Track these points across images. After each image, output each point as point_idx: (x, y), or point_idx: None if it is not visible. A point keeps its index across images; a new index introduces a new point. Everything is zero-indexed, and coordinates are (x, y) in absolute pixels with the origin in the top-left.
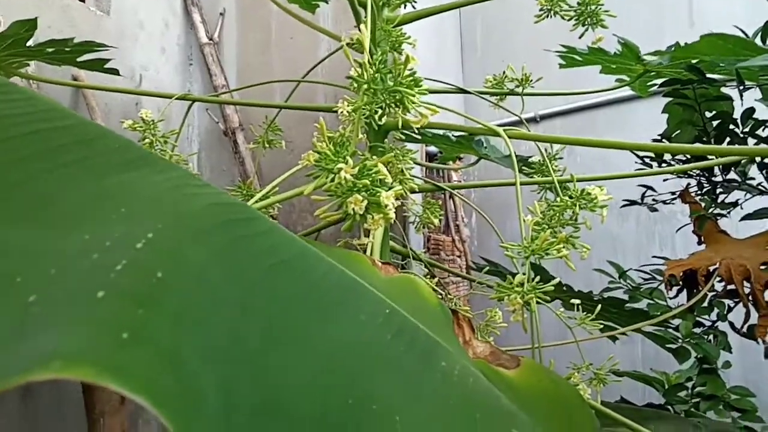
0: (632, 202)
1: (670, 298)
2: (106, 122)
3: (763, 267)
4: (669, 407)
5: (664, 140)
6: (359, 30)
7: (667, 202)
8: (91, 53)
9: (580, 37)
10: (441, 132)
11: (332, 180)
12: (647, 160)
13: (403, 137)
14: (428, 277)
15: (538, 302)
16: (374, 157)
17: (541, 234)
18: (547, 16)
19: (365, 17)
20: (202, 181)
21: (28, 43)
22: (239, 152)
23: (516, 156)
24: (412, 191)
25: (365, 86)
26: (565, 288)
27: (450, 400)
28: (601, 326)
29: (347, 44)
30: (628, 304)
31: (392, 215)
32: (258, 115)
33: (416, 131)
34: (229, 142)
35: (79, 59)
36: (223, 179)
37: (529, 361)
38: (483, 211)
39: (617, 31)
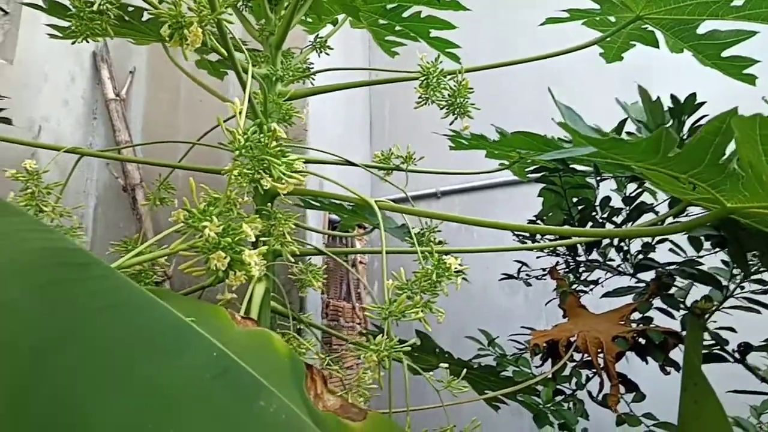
0: (509, 276)
1: (536, 367)
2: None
3: (615, 340)
4: None
5: (539, 221)
6: (247, 102)
7: (539, 277)
8: None
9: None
10: (338, 201)
11: (200, 237)
12: (523, 238)
13: (302, 204)
14: (326, 344)
15: (424, 369)
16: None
17: (399, 298)
18: (426, 104)
19: (259, 89)
20: (48, 227)
21: None
22: (137, 209)
23: (402, 226)
24: (293, 254)
25: (236, 153)
26: (446, 355)
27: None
28: (467, 389)
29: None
30: (499, 372)
31: (256, 273)
32: (161, 173)
33: (314, 199)
34: (129, 198)
35: None
36: (118, 235)
37: (375, 415)
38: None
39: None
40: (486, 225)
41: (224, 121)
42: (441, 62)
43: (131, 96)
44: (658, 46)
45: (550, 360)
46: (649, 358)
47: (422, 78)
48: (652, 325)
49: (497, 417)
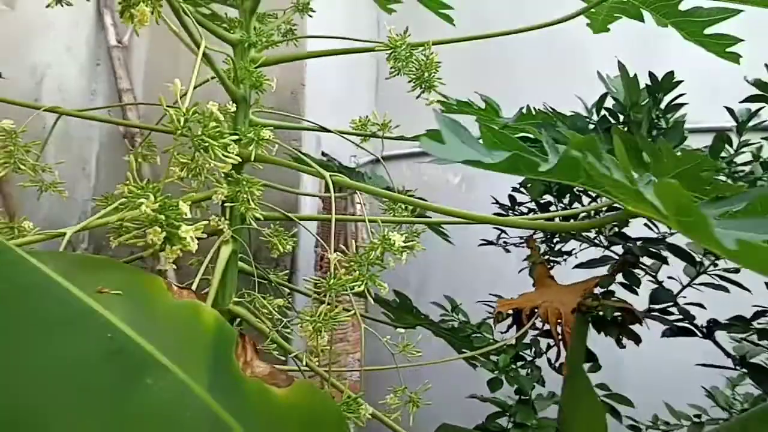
0: (488, 242)
1: (501, 332)
2: (6, 114)
3: (574, 312)
4: None
5: (522, 188)
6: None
7: (517, 245)
8: None
9: None
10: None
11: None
12: (503, 207)
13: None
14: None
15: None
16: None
17: (341, 271)
18: (398, 74)
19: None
20: None
21: None
22: None
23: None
24: (256, 219)
25: (178, 132)
26: (422, 317)
27: (144, 409)
28: (420, 354)
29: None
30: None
31: (193, 247)
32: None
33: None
34: (128, 145)
35: None
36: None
37: (301, 382)
38: None
39: None
40: (437, 210)
41: (200, 84)
42: (409, 35)
43: (133, 44)
44: (643, 20)
45: (515, 327)
46: None
47: (389, 51)
48: (613, 299)
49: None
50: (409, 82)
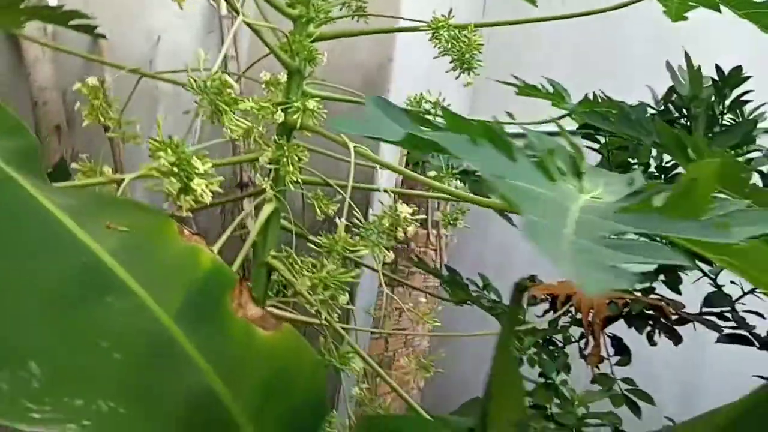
0: None
1: (538, 316)
2: (121, 76)
3: (608, 305)
4: None
5: None
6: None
7: None
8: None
9: None
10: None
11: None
12: None
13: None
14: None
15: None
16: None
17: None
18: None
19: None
20: None
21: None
22: None
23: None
24: (294, 183)
25: (202, 95)
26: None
27: (97, 324)
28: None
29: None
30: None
31: (207, 199)
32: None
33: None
34: None
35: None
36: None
37: (289, 328)
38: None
39: None
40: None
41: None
42: (453, 16)
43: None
44: (719, 10)
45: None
46: None
47: (432, 31)
48: (652, 296)
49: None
50: (451, 62)
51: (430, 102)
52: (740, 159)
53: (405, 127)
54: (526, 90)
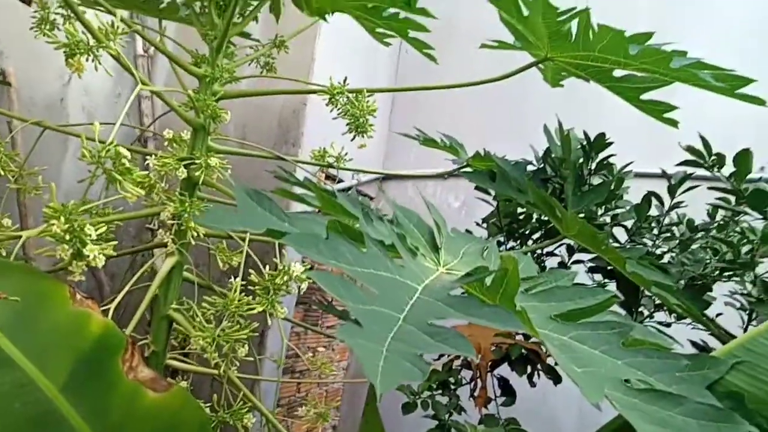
0: None
1: (435, 360)
2: (31, 114)
3: (492, 347)
4: None
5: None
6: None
7: None
8: None
9: None
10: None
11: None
12: None
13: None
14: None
15: None
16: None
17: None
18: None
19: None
20: None
21: None
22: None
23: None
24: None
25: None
26: None
27: None
28: (335, 371)
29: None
30: None
31: (99, 263)
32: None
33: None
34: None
35: None
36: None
37: (179, 389)
38: None
39: None
40: None
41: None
42: (348, 83)
43: (158, 54)
44: (588, 81)
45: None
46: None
47: (328, 96)
48: (532, 341)
49: None
50: (347, 125)
51: (333, 156)
52: (608, 214)
53: (271, 217)
54: (427, 142)
